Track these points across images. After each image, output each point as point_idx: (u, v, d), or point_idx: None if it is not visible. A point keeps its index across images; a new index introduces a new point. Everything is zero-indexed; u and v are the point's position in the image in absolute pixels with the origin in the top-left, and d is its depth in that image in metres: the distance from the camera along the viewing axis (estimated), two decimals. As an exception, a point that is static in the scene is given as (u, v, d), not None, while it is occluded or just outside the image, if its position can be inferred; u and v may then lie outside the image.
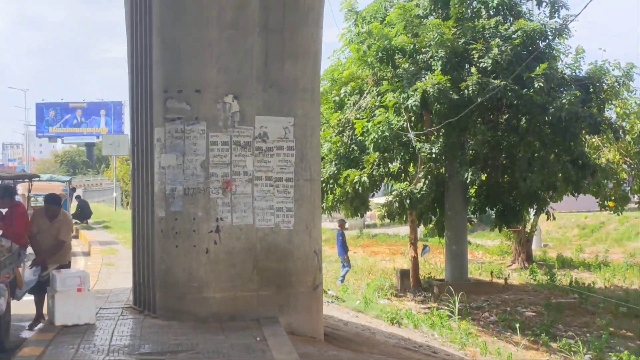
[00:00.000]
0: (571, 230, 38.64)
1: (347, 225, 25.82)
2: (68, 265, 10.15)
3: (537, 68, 17.18)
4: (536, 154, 18.42)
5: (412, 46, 18.09)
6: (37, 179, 11.44)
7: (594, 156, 22.11)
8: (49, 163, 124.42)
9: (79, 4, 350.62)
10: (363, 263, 25.86)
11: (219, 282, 8.72)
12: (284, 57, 9.00)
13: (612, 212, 24.95)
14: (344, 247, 20.33)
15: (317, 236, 9.33)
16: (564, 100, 16.96)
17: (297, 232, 9.05)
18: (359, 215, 22.13)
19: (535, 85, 17.02)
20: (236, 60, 8.80)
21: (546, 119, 17.71)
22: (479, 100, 16.62)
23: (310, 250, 9.18)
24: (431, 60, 18.09)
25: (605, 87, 19.46)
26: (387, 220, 23.05)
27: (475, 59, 17.96)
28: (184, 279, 8.69)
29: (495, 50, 17.57)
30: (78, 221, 30.21)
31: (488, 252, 31.50)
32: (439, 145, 17.96)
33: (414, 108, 17.35)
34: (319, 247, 9.40)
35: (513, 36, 17.99)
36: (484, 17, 19.01)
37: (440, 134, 18.47)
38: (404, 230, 29.40)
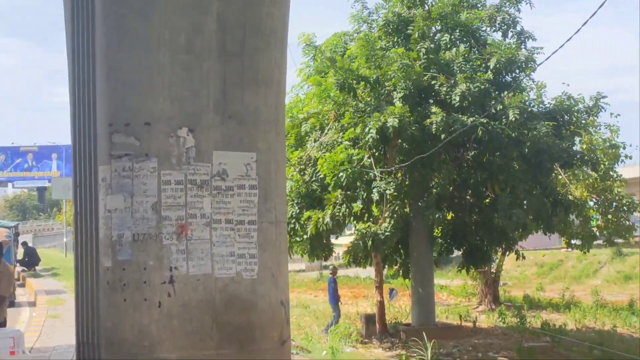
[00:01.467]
0: (529, 268, 38.38)
1: (338, 273, 25.00)
2: (3, 324, 9.04)
3: (512, 98, 16.51)
4: (515, 191, 17.76)
5: (374, 77, 17.35)
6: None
7: (562, 192, 21.58)
8: (0, 208, 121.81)
9: (30, 50, 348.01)
10: (325, 307, 24.91)
11: (174, 340, 7.66)
12: (244, 85, 8.06)
13: (580, 250, 24.43)
14: (334, 296, 19.53)
15: (284, 285, 8.34)
16: (541, 132, 16.28)
17: (261, 281, 8.04)
18: (321, 258, 21.23)
19: (511, 116, 16.33)
20: (191, 89, 7.83)
21: (519, 153, 17.03)
22: (448, 138, 15.87)
23: (277, 300, 8.18)
24: (393, 92, 17.38)
25: (575, 119, 18.93)
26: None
27: (443, 94, 17.27)
28: (133, 337, 7.61)
29: (463, 86, 16.87)
30: (25, 268, 28.84)
31: (453, 293, 30.78)
32: (401, 183, 17.22)
33: (373, 142, 16.56)
34: (286, 297, 8.40)
35: (481, 69, 17.34)
36: (447, 47, 18.39)
37: (403, 171, 17.74)
38: (365, 272, 28.62)
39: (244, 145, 8.08)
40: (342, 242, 29.27)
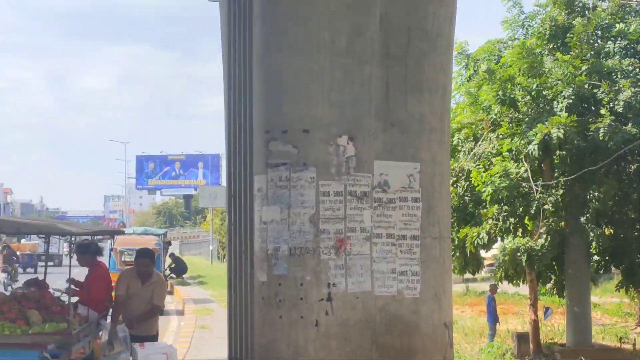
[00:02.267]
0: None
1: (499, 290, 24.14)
2: (155, 337, 8.81)
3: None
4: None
5: (534, 86, 16.49)
6: (121, 234, 10.15)
7: None
8: (148, 215, 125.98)
9: (177, 61, 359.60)
10: (473, 324, 24.11)
11: (331, 362, 7.17)
12: (408, 91, 7.52)
13: None
14: (493, 315, 18.79)
15: (447, 306, 7.75)
16: None
17: (424, 300, 7.47)
18: (472, 273, 20.48)
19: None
20: (351, 94, 7.35)
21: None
22: (622, 150, 14.84)
23: (440, 322, 7.60)
24: (554, 101, 16.46)
25: None
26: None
27: (605, 103, 16.23)
28: (288, 356, 7.18)
29: (628, 92, 15.81)
30: (174, 276, 29.24)
31: (607, 312, 29.27)
32: (560, 197, 16.29)
33: (534, 155, 15.70)
34: (449, 319, 7.81)
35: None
36: (609, 55, 17.34)
37: (561, 185, 16.81)
38: (513, 287, 27.50)
39: (407, 155, 7.55)
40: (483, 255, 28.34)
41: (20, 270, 33.67)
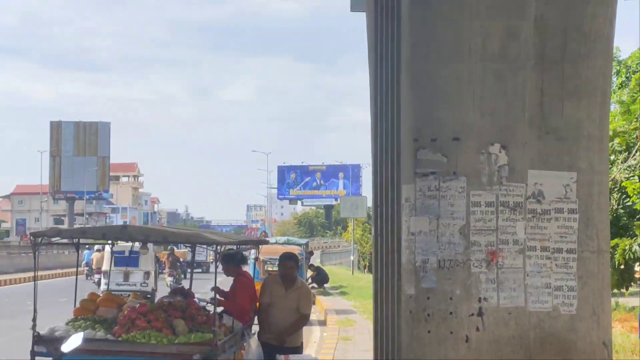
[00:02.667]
0: None
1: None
2: (299, 348, 8.69)
3: None
4: None
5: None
6: (265, 244, 10.10)
7: None
8: (289, 225, 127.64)
9: (318, 73, 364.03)
10: (624, 340, 23.01)
11: (482, 381, 6.85)
12: (564, 96, 7.13)
13: None
14: None
15: (606, 323, 7.29)
16: None
17: (581, 317, 7.05)
18: (625, 288, 19.55)
19: None
20: (504, 101, 7.04)
21: None
22: None
23: (599, 341, 7.16)
24: None
25: None
26: None
27: None
28: (438, 373, 6.89)
29: None
30: (315, 285, 29.33)
31: None
32: None
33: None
34: (609, 337, 7.36)
35: None
36: None
37: None
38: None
39: (563, 164, 7.16)
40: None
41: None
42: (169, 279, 32.11)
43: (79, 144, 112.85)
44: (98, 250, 35.08)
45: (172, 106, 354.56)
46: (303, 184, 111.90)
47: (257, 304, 8.82)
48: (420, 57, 7.18)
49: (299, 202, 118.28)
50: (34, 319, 7.04)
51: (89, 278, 35.62)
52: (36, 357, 6.98)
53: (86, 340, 6.93)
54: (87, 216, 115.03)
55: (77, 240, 8.40)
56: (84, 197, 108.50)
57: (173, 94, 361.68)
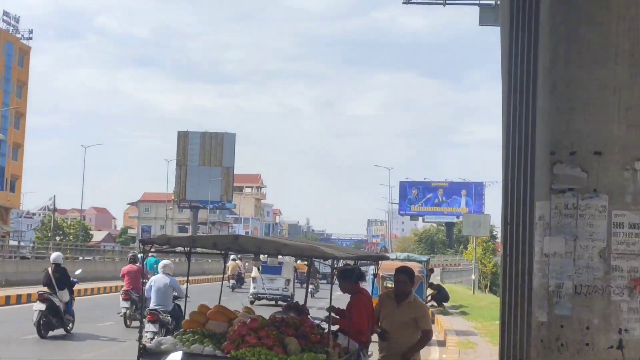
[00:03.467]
0: None
1: None
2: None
3: None
4: None
5: None
6: (385, 259, 9.58)
7: None
8: (409, 241, 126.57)
9: (445, 88, 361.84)
10: None
11: (623, 420, 6.18)
12: None
13: None
14: None
15: None
16: None
17: None
18: None
19: None
20: (651, 112, 6.34)
21: None
22: None
23: None
24: None
25: None
26: None
27: None
28: (572, 410, 6.25)
29: None
30: (435, 304, 28.61)
31: None
32: None
33: None
34: None
35: None
36: None
37: None
38: None
39: None
40: None
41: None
42: (311, 287, 33.15)
43: (205, 154, 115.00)
44: (233, 260, 40.49)
45: (298, 119, 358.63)
46: (425, 200, 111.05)
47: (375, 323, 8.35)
48: (560, 63, 6.57)
49: (420, 219, 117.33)
50: (140, 331, 6.74)
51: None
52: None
53: (192, 355, 6.56)
54: (210, 225, 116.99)
55: (189, 249, 8.06)
56: (207, 207, 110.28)
57: (299, 106, 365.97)
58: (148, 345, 6.77)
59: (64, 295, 18.04)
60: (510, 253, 7.32)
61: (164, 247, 7.23)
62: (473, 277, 46.03)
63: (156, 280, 15.58)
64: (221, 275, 34.59)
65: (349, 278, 8.01)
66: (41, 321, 17.38)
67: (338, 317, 7.96)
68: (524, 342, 6.88)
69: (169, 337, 7.15)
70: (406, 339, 7.96)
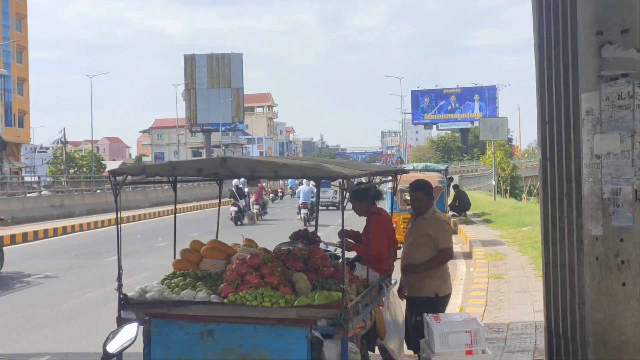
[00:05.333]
0: None
1: None
2: (446, 297, 7.12)
3: None
4: None
5: None
6: (404, 173, 8.46)
7: None
8: (425, 150, 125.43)
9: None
10: None
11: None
12: None
13: None
14: None
15: None
16: None
17: None
18: None
19: None
20: None
21: None
22: None
23: None
24: None
25: None
26: None
27: None
28: (636, 338, 5.25)
29: None
30: (456, 214, 27.66)
31: None
32: None
33: None
34: None
35: None
36: None
37: None
38: None
39: None
40: None
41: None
42: (303, 211, 29.82)
43: (213, 77, 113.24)
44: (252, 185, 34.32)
45: (303, 35, 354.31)
46: (437, 107, 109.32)
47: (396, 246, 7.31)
48: None
49: (434, 127, 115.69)
50: (119, 278, 5.63)
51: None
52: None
53: (183, 303, 5.51)
54: (223, 147, 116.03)
55: (174, 178, 6.90)
56: (219, 129, 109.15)
57: (304, 22, 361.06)
58: (130, 295, 5.70)
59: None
60: (551, 157, 6.24)
61: (141, 177, 6.16)
62: (493, 182, 45.01)
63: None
64: (227, 200, 32.92)
65: (364, 198, 6.95)
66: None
67: (353, 242, 6.93)
68: (575, 261, 5.86)
69: (154, 283, 6.10)
70: (416, 259, 6.86)
